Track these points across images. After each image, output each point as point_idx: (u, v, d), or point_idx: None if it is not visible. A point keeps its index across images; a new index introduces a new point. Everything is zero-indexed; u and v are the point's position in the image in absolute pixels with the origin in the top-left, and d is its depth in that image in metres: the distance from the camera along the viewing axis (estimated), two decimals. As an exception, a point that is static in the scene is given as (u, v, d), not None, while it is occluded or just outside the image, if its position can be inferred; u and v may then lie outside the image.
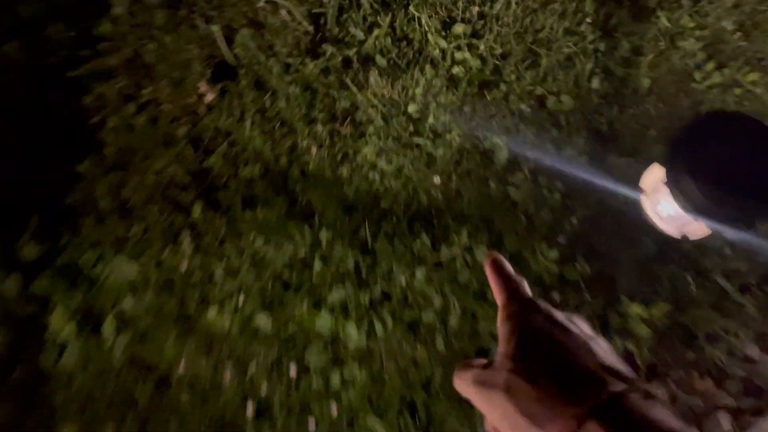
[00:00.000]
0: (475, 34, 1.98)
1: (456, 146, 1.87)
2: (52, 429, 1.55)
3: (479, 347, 1.78)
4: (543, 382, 0.36)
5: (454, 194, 1.85)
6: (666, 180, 1.18)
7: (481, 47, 1.96)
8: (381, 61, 1.90)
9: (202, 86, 1.85)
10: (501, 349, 0.41)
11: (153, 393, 1.63)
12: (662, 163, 1.26)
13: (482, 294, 1.80)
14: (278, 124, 1.85)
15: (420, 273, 1.76)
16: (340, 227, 1.79)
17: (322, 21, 1.93)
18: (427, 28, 1.94)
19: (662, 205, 1.29)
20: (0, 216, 1.66)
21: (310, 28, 1.93)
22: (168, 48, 1.88)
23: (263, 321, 1.69)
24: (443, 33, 1.97)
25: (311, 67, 1.89)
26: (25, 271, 1.63)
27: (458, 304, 1.76)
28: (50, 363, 1.61)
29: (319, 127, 1.85)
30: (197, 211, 1.75)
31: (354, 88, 1.87)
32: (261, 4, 1.91)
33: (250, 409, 1.60)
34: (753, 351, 1.83)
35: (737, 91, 1.95)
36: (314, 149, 1.84)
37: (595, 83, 1.96)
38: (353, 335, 1.68)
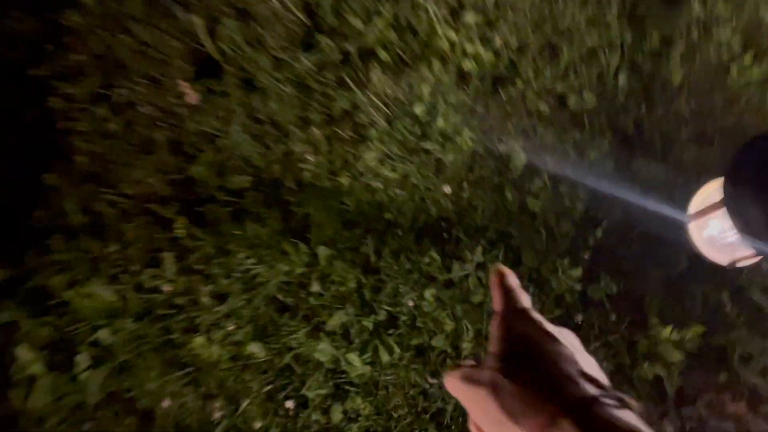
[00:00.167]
0: (489, 24, 1.82)
1: (468, 151, 1.72)
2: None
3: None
4: (524, 381, 0.39)
5: (466, 205, 1.71)
6: (724, 200, 1.04)
7: (495, 39, 1.79)
8: (383, 55, 1.77)
9: (183, 85, 1.69)
10: (490, 349, 0.44)
11: (135, 431, 1.50)
12: (718, 181, 1.11)
13: (497, 315, 1.66)
14: (269, 128, 1.70)
15: (429, 293, 1.63)
16: (340, 243, 1.67)
17: (316, 10, 1.76)
18: (434, 17, 1.77)
19: (711, 228, 1.14)
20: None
21: (304, 18, 1.76)
22: (144, 42, 1.70)
23: (256, 349, 1.59)
24: (452, 23, 1.81)
25: (305, 62, 1.73)
26: (-14, 299, 1.49)
27: (472, 327, 1.63)
28: (21, 400, 1.47)
29: (316, 131, 1.70)
30: (180, 226, 1.62)
31: (353, 87, 1.73)
32: (248, -9, 1.73)
33: (242, 451, 1.50)
34: (793, 376, 1.71)
35: (778, 87, 1.81)
36: (310, 155, 1.69)
37: (622, 79, 1.81)
38: (356, 364, 1.56)
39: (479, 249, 1.67)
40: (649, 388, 1.73)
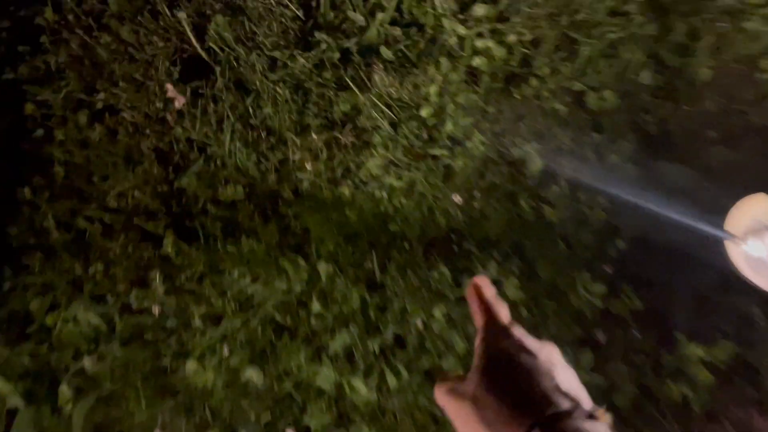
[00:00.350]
0: (500, 18, 1.71)
1: (479, 156, 1.64)
2: None
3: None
4: (503, 396, 0.43)
5: (477, 215, 1.63)
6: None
7: (508, 34, 1.68)
8: (386, 53, 1.70)
9: (170, 89, 1.59)
10: (474, 364, 0.47)
11: (124, 466, 1.42)
12: (761, 198, 1.01)
13: (512, 333, 1.56)
14: (264, 134, 1.62)
15: (439, 312, 1.55)
16: (342, 258, 1.60)
17: (314, 4, 1.65)
18: (441, 11, 1.69)
19: (756, 249, 1.04)
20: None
21: (300, 13, 1.65)
22: (126, 41, 1.60)
23: (253, 375, 1.52)
24: (461, 16, 1.72)
25: (302, 61, 1.64)
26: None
27: (484, 347, 1.53)
28: (-1, 435, 1.40)
29: (314, 137, 1.62)
30: (169, 243, 1.54)
31: (355, 88, 1.64)
32: (238, -16, 1.62)
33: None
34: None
35: (813, 82, 1.70)
36: (309, 163, 1.60)
37: (645, 76, 1.71)
38: (361, 390, 1.48)
39: (492, 263, 1.57)
40: (674, 408, 1.64)
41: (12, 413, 1.43)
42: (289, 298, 1.57)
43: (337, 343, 1.54)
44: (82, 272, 1.53)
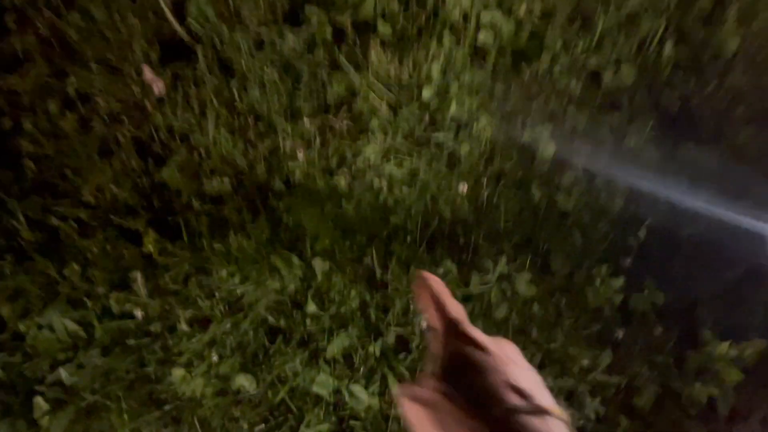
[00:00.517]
0: (508, -12, 1.59)
1: (486, 141, 1.54)
2: None
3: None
4: (458, 399, 0.42)
5: (485, 205, 1.54)
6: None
7: (516, 5, 1.59)
8: (384, 29, 1.61)
9: (147, 72, 1.48)
10: (429, 368, 0.47)
11: (107, 481, 1.34)
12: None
13: (523, 332, 1.48)
14: (251, 120, 1.52)
15: None
16: (339, 255, 1.54)
17: (303, -25, 1.53)
18: None
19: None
20: None
21: (288, -13, 1.53)
22: (98, 21, 1.48)
23: (245, 382, 1.47)
24: None
25: (291, 39, 1.53)
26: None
27: (494, 347, 1.43)
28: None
29: (306, 122, 1.51)
30: (150, 241, 1.46)
31: (350, 68, 1.52)
32: (219, -46, 1.49)
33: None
34: None
35: None
36: (301, 152, 1.51)
37: (667, 49, 1.60)
38: (361, 396, 1.41)
39: (502, 258, 1.47)
40: (700, 409, 1.55)
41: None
42: (282, 298, 1.49)
43: (335, 346, 1.46)
44: (56, 275, 1.44)
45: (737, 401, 1.58)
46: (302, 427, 1.42)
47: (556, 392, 1.46)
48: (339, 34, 1.61)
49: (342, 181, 1.54)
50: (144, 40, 1.55)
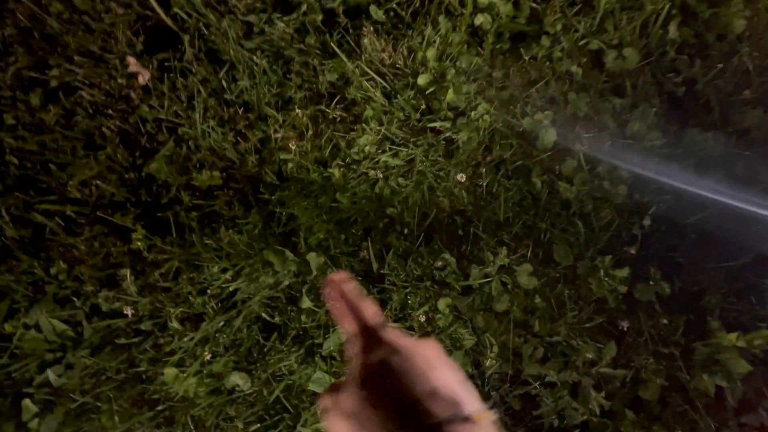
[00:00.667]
0: (505, -32, 1.54)
1: (485, 128, 1.51)
2: None
3: (524, 392, 1.45)
4: (381, 409, 0.41)
5: (484, 195, 1.50)
6: None
7: None
8: (377, 13, 1.58)
9: (132, 62, 1.44)
10: (349, 376, 0.46)
11: (100, 484, 1.32)
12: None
13: (525, 325, 1.45)
14: (241, 110, 1.48)
15: (444, 304, 1.44)
16: (334, 248, 1.51)
17: (292, -41, 1.48)
18: None
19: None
20: None
21: (277, -29, 1.48)
22: (80, 9, 1.44)
23: (239, 380, 1.44)
24: None
25: (281, 26, 1.49)
26: None
27: (495, 340, 1.42)
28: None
29: (298, 112, 1.47)
30: (139, 237, 1.40)
31: (342, 55, 1.48)
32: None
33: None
34: None
35: None
36: (293, 142, 1.47)
37: (671, 30, 1.55)
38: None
39: (503, 249, 1.43)
40: (707, 400, 1.52)
41: (-28, 431, 1.32)
42: (276, 294, 1.45)
43: (332, 342, 1.43)
44: (43, 273, 1.41)
45: (745, 392, 1.56)
46: (299, 427, 1.39)
47: (559, 386, 1.43)
48: (330, 20, 1.56)
49: (336, 172, 1.50)
50: (128, 29, 1.51)
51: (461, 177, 1.51)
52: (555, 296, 1.48)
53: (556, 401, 1.43)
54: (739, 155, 1.56)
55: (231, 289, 1.45)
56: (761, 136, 1.57)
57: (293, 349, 1.43)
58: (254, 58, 1.52)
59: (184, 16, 1.52)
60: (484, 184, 1.52)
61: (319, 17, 1.54)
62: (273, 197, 1.48)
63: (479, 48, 1.58)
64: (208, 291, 1.45)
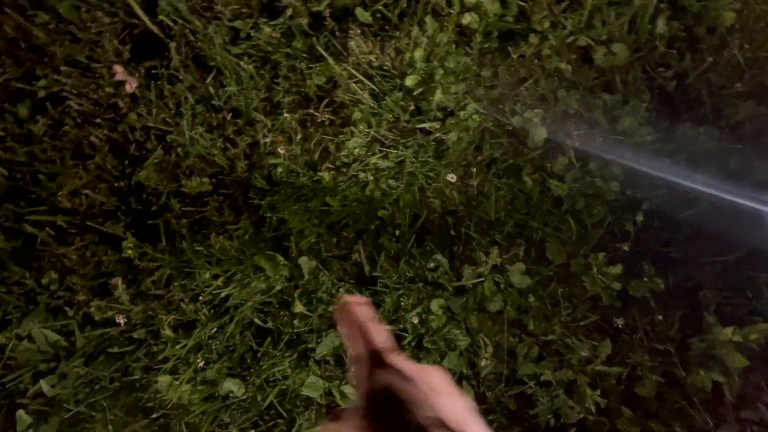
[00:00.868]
0: (492, -33, 1.54)
1: (474, 128, 1.51)
2: None
3: (520, 392, 1.45)
4: None
5: (475, 194, 1.51)
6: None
7: None
8: (363, 15, 1.59)
9: (119, 70, 1.45)
10: (354, 404, 0.45)
11: (95, 494, 1.33)
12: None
13: (520, 324, 1.45)
14: (230, 116, 1.48)
15: (437, 305, 1.45)
16: (326, 251, 1.51)
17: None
18: None
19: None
20: None
21: (262, -25, 1.49)
22: (65, 19, 1.44)
23: (233, 386, 1.45)
24: None
25: (268, 31, 1.50)
26: None
27: (490, 341, 1.42)
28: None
29: (287, 116, 1.48)
30: (130, 245, 1.41)
31: (329, 58, 1.49)
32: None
33: None
34: None
35: None
36: (282, 147, 1.48)
37: (660, 25, 1.55)
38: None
39: (495, 249, 1.43)
40: (704, 396, 1.52)
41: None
42: (268, 299, 1.46)
43: (325, 346, 1.44)
44: (34, 284, 1.42)
45: (743, 387, 1.56)
46: (293, 431, 1.40)
47: (555, 385, 1.43)
48: (316, 23, 1.57)
49: (326, 175, 1.51)
50: (114, 37, 1.52)
51: (452, 177, 1.52)
52: (549, 295, 1.48)
53: (552, 400, 1.43)
54: (732, 149, 1.56)
55: (223, 295, 1.46)
56: (753, 128, 1.57)
57: (286, 354, 1.44)
58: (241, 63, 1.53)
59: (171, 24, 1.53)
60: (475, 183, 1.53)
61: (306, 21, 1.55)
62: (263, 202, 1.49)
63: (467, 47, 1.59)
64: (200, 297, 1.46)
